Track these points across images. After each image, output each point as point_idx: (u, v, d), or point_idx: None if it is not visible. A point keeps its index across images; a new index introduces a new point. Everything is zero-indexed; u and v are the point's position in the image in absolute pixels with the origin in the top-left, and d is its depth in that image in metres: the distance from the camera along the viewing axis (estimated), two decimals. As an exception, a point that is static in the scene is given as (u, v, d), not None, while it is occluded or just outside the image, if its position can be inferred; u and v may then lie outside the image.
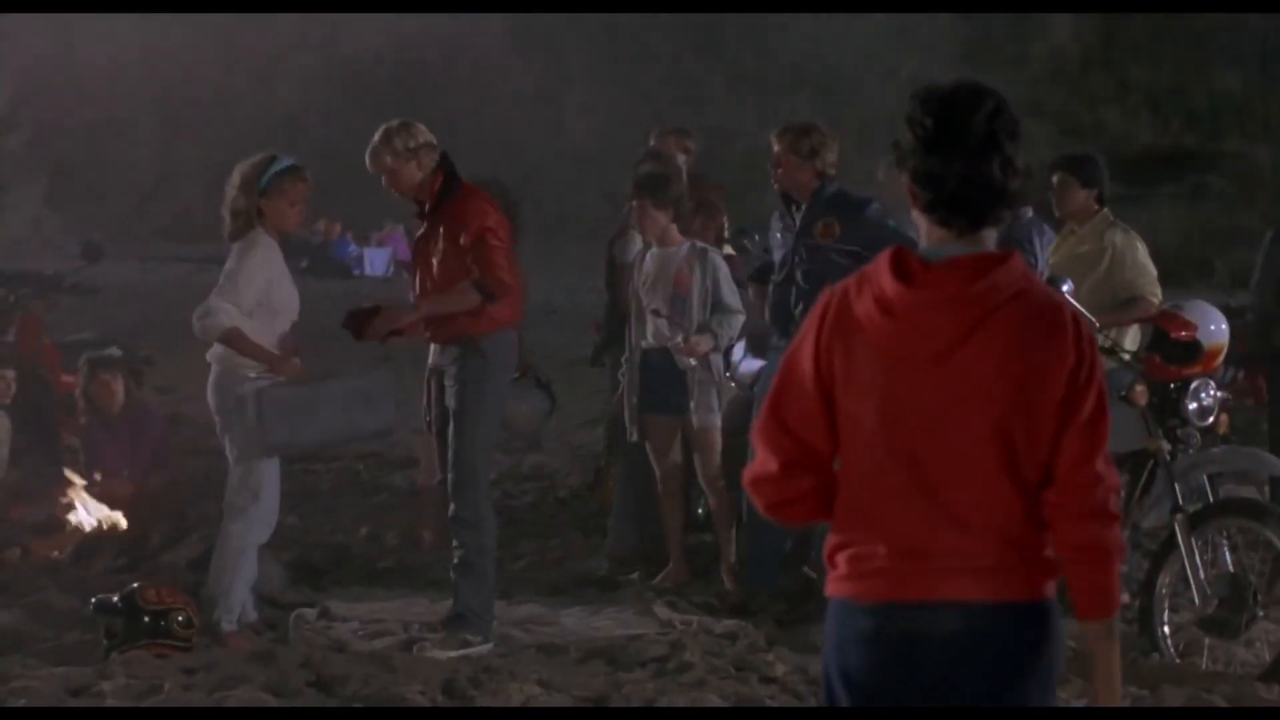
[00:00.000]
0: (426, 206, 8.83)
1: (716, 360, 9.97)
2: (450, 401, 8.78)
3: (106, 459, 11.21)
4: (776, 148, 9.49)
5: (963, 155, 4.05)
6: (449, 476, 8.81)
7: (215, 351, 8.69)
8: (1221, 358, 9.06)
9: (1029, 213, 10.36)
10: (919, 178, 4.08)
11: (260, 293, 8.62)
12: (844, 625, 4.09)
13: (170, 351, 17.39)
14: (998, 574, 3.99)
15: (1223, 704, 7.76)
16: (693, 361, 9.87)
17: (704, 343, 9.83)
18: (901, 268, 4.05)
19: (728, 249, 10.22)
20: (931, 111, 4.06)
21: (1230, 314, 9.73)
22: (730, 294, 9.88)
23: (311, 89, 37.40)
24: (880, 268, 4.07)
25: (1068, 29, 35.95)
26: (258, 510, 8.68)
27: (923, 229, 4.15)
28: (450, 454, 8.78)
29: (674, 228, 9.98)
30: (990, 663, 4.00)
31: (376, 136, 8.79)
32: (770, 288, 9.69)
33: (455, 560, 8.76)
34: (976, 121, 4.05)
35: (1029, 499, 4.01)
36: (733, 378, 10.32)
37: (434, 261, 8.77)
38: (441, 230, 8.75)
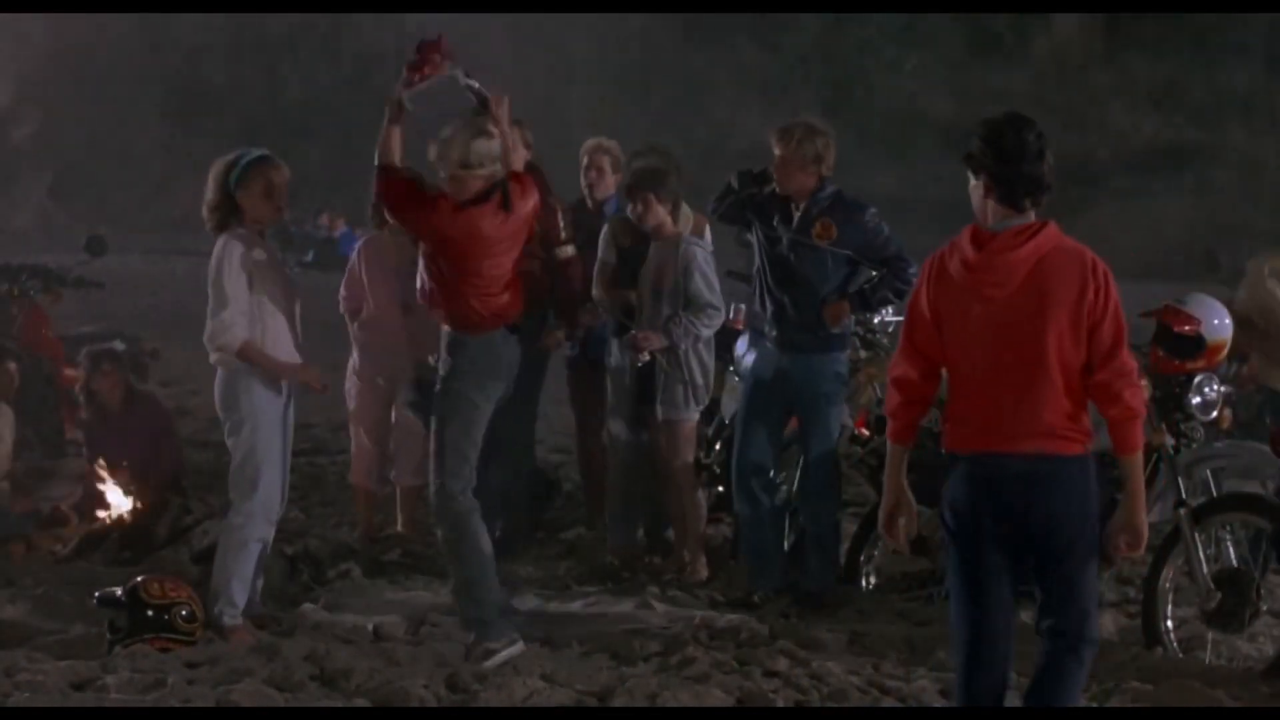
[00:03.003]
0: None
1: (690, 354, 9.94)
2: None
3: (108, 452, 11.21)
4: (780, 151, 9.41)
5: (1025, 161, 6.12)
6: (431, 498, 8.70)
7: (218, 354, 8.75)
8: (1224, 352, 9.05)
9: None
10: (996, 177, 6.12)
11: (247, 288, 8.65)
12: (951, 467, 6.23)
13: (175, 344, 17.42)
14: (1053, 436, 6.06)
15: (1226, 699, 7.77)
16: (645, 356, 9.87)
17: (654, 339, 9.84)
18: (977, 237, 6.14)
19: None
20: (1001, 133, 6.15)
21: (1233, 308, 9.72)
22: (703, 288, 9.86)
23: (317, 83, 37.40)
24: (963, 238, 6.16)
25: (1071, 23, 35.90)
26: (255, 505, 8.69)
27: (990, 211, 6.15)
28: (431, 458, 8.66)
29: (669, 221, 9.98)
30: (1046, 494, 6.09)
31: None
32: (759, 283, 9.66)
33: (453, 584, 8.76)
34: (1030, 139, 6.15)
35: (1072, 385, 6.08)
36: (736, 371, 10.33)
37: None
38: None
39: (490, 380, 8.65)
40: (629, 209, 10.05)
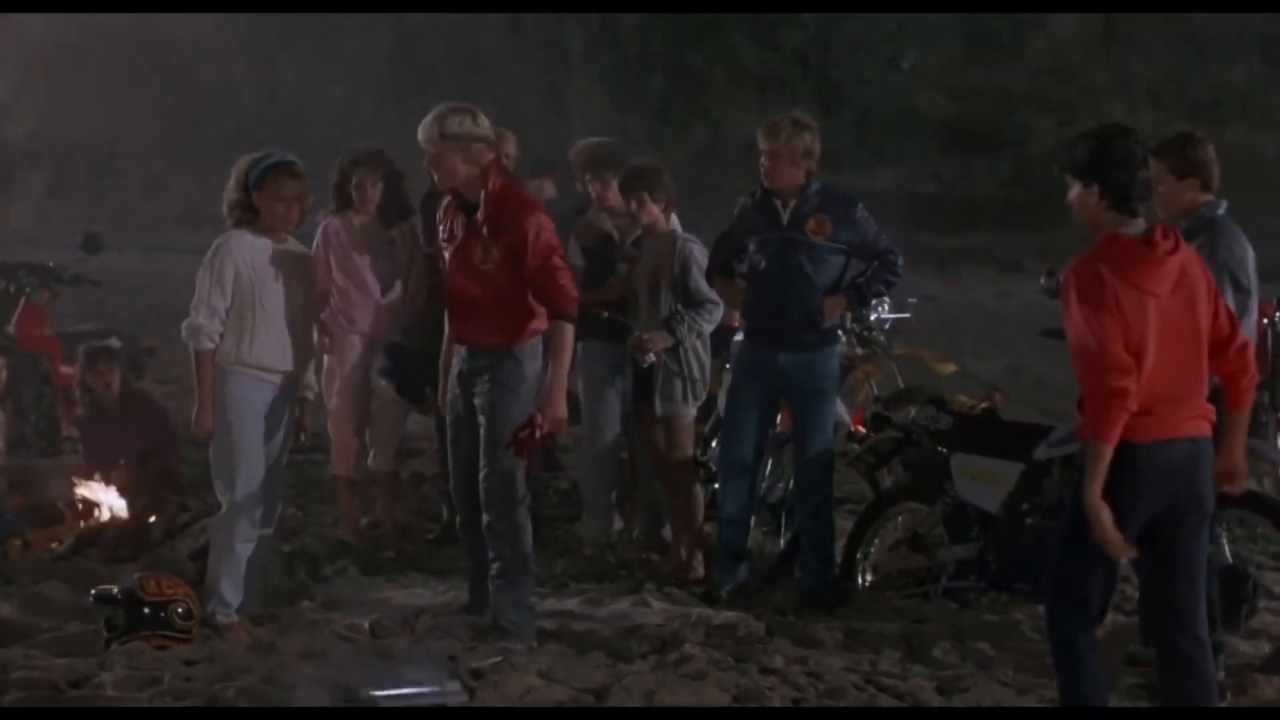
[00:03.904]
0: (475, 204, 8.59)
1: (689, 350, 9.94)
2: (482, 410, 8.62)
3: (104, 450, 11.20)
4: (769, 145, 9.44)
5: (1137, 168, 6.58)
6: (482, 486, 8.65)
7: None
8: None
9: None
10: (1110, 185, 6.53)
11: (232, 291, 8.61)
12: (1130, 457, 6.41)
13: (173, 342, 17.32)
14: (1206, 418, 6.58)
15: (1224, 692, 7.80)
16: (650, 357, 9.86)
17: (658, 339, 9.84)
18: (1132, 242, 6.47)
19: None
20: (1112, 142, 6.59)
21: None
22: (702, 283, 9.83)
23: (314, 81, 37.38)
24: (1121, 245, 6.47)
25: (1068, 21, 35.92)
26: (235, 505, 8.66)
27: (1111, 220, 6.53)
28: (483, 463, 8.64)
29: (663, 219, 9.98)
30: (1203, 471, 6.58)
31: (430, 116, 8.57)
32: (749, 279, 9.64)
33: (493, 572, 8.66)
34: (1137, 149, 6.62)
35: (1207, 369, 6.61)
36: (732, 367, 10.32)
37: (478, 267, 8.56)
38: (491, 236, 8.53)
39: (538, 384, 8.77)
40: (592, 205, 10.09)
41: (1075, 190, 6.61)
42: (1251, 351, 6.71)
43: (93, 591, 8.56)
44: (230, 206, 8.74)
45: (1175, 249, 6.50)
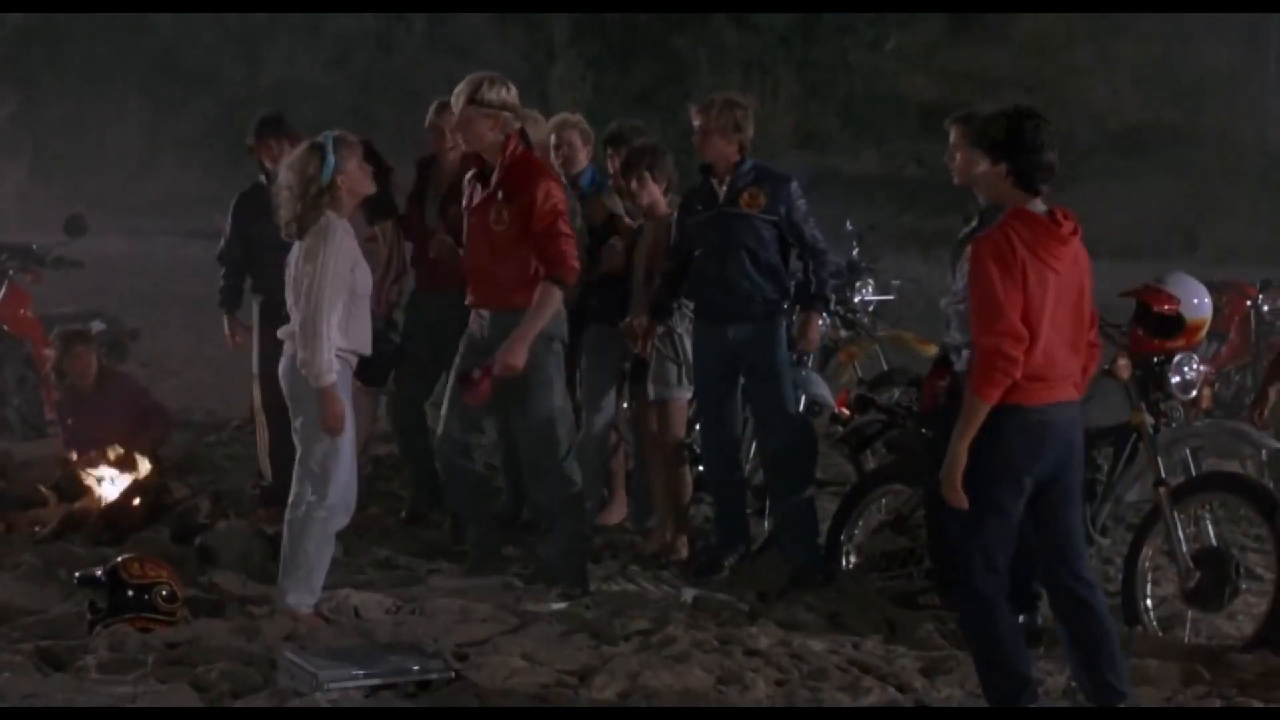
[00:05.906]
0: (488, 170, 9.07)
1: (680, 337, 9.94)
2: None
3: (83, 434, 11.17)
4: (699, 121, 9.60)
5: (1045, 150, 6.88)
6: (524, 457, 9.14)
7: (288, 329, 8.52)
8: (1204, 332, 9.09)
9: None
10: (1018, 165, 6.84)
11: (347, 282, 8.39)
12: (1011, 420, 6.79)
13: (156, 325, 17.39)
14: (1076, 386, 7.01)
15: (1204, 674, 7.82)
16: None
17: (651, 328, 9.83)
18: (1039, 220, 6.84)
19: None
20: (1022, 125, 6.86)
21: (1213, 288, 9.74)
22: None
23: (297, 65, 37.31)
24: (1030, 220, 6.83)
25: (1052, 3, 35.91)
26: (335, 500, 8.51)
27: (1015, 198, 6.87)
28: (525, 435, 9.08)
29: (663, 200, 9.98)
30: (1076, 430, 7.02)
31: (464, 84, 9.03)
32: (696, 265, 9.71)
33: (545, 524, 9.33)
34: (1044, 132, 6.90)
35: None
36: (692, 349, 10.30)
37: (494, 230, 9.00)
38: (504, 199, 8.98)
39: (562, 346, 9.30)
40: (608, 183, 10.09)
41: (983, 165, 6.98)
42: (1099, 349, 7.28)
43: (76, 574, 8.55)
44: (305, 199, 8.34)
45: (1075, 230, 6.93)
